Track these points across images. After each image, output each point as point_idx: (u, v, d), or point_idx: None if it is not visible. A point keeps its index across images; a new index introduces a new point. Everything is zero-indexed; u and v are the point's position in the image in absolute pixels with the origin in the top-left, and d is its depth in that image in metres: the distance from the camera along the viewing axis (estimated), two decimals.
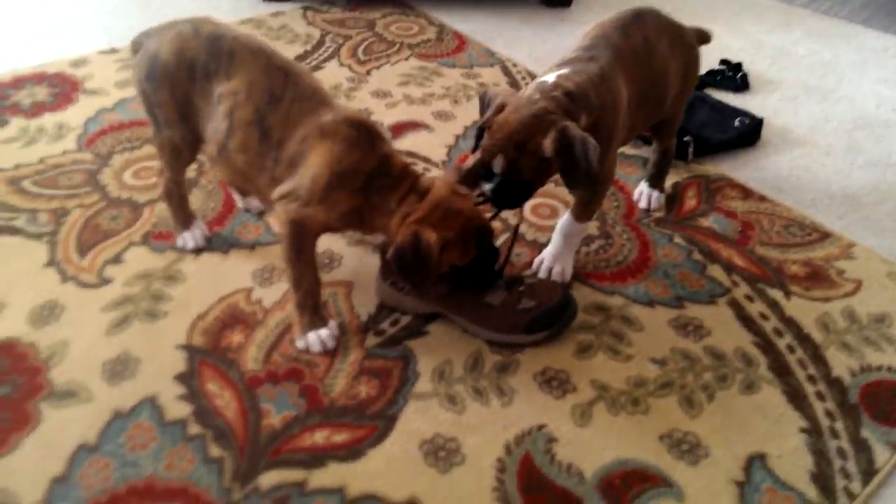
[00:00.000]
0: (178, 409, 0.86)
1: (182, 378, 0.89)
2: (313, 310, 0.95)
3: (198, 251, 1.10)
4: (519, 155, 0.88)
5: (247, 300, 1.02)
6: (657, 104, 1.07)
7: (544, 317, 0.94)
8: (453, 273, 0.91)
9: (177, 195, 1.08)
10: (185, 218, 1.11)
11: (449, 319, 0.99)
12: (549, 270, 1.07)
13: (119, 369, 0.90)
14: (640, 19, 1.03)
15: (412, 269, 0.83)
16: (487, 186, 0.92)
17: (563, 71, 0.94)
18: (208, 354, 0.93)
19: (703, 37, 1.16)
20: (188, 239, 1.11)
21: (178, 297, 1.01)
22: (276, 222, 0.99)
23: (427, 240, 0.82)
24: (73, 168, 1.28)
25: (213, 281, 1.05)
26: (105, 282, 1.04)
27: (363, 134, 0.87)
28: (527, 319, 0.94)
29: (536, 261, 1.09)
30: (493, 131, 0.90)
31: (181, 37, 0.93)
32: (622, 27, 1.01)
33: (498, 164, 0.89)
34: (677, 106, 1.15)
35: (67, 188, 1.23)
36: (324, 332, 0.95)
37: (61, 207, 1.18)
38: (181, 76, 0.92)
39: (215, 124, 0.92)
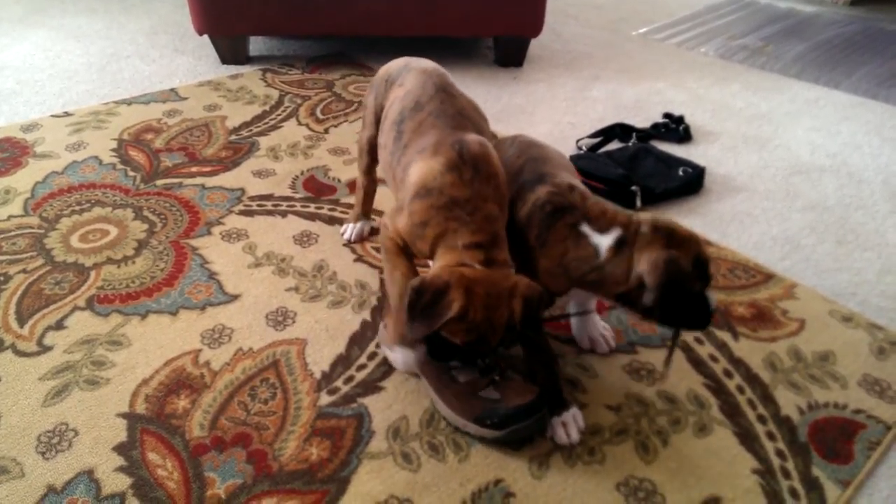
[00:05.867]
0: (116, 482, 0.81)
1: (121, 448, 0.86)
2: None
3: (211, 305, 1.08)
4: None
5: (194, 363, 0.99)
6: None
7: (497, 415, 0.87)
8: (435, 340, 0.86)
9: (361, 191, 1.24)
10: (359, 212, 1.26)
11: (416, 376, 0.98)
12: (594, 340, 1.03)
13: (55, 442, 0.86)
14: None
15: (420, 307, 0.81)
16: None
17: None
18: (151, 422, 0.89)
19: None
20: (349, 230, 1.26)
21: (121, 363, 0.98)
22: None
23: (438, 283, 0.79)
24: (18, 233, 1.25)
25: (160, 344, 1.02)
26: (45, 349, 1.00)
27: (467, 164, 0.84)
28: (479, 409, 0.88)
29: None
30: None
31: (392, 62, 1.11)
32: None
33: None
34: None
35: (10, 254, 1.19)
36: (412, 356, 0.95)
37: (2, 274, 1.14)
38: (381, 86, 1.08)
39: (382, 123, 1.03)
